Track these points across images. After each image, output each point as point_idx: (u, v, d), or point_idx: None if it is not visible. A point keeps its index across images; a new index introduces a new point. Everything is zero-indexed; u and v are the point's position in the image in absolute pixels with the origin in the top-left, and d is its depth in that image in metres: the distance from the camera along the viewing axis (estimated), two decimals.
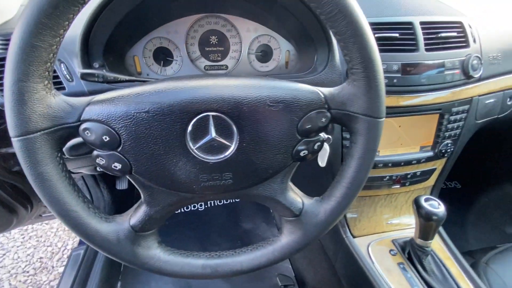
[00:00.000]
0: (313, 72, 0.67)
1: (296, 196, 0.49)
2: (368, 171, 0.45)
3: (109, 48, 0.61)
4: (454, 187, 1.74)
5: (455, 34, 0.70)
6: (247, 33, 0.74)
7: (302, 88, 0.43)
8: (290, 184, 0.49)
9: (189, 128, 0.39)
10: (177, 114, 0.38)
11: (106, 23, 0.59)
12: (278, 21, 0.70)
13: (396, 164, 0.78)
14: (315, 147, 0.45)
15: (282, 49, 0.77)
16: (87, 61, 0.58)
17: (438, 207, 0.68)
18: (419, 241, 0.73)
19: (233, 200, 1.56)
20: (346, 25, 0.37)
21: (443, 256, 0.79)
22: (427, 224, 0.69)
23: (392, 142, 0.77)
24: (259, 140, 0.41)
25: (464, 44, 0.71)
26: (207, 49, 0.74)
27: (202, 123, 0.39)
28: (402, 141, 0.78)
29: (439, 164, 0.85)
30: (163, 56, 0.71)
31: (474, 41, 0.73)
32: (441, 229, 0.88)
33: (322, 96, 0.43)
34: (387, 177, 0.80)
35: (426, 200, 0.70)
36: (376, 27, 0.67)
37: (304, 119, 0.42)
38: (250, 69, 0.79)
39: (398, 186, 0.82)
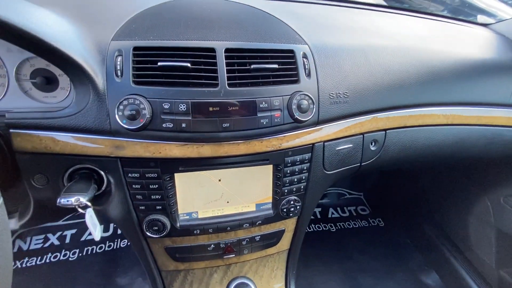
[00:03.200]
0: (75, 112, 0.49)
1: None
2: None
3: None
4: (377, 225, 1.60)
5: (276, 66, 0.54)
6: (10, 54, 0.55)
7: None
8: None
9: None
10: None
11: None
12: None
13: (221, 229, 0.59)
14: None
15: None
16: None
17: None
18: None
19: (116, 246, 1.31)
20: None
21: None
22: None
23: (213, 201, 0.59)
24: None
25: (292, 79, 0.56)
26: None
27: None
28: (229, 198, 0.60)
29: (290, 224, 0.68)
30: None
31: (309, 75, 0.58)
32: None
33: None
34: (212, 246, 0.61)
35: (237, 286, 0.51)
36: (160, 52, 0.50)
37: None
38: (30, 101, 0.59)
39: (233, 255, 0.63)
